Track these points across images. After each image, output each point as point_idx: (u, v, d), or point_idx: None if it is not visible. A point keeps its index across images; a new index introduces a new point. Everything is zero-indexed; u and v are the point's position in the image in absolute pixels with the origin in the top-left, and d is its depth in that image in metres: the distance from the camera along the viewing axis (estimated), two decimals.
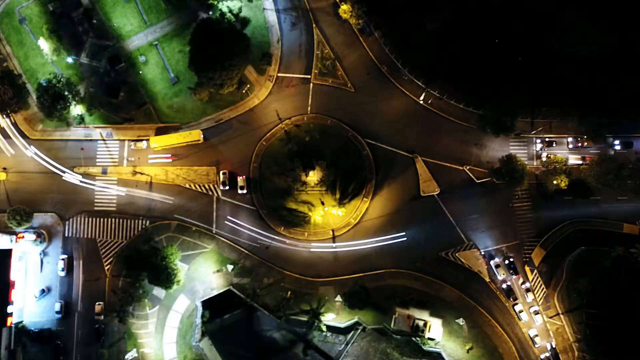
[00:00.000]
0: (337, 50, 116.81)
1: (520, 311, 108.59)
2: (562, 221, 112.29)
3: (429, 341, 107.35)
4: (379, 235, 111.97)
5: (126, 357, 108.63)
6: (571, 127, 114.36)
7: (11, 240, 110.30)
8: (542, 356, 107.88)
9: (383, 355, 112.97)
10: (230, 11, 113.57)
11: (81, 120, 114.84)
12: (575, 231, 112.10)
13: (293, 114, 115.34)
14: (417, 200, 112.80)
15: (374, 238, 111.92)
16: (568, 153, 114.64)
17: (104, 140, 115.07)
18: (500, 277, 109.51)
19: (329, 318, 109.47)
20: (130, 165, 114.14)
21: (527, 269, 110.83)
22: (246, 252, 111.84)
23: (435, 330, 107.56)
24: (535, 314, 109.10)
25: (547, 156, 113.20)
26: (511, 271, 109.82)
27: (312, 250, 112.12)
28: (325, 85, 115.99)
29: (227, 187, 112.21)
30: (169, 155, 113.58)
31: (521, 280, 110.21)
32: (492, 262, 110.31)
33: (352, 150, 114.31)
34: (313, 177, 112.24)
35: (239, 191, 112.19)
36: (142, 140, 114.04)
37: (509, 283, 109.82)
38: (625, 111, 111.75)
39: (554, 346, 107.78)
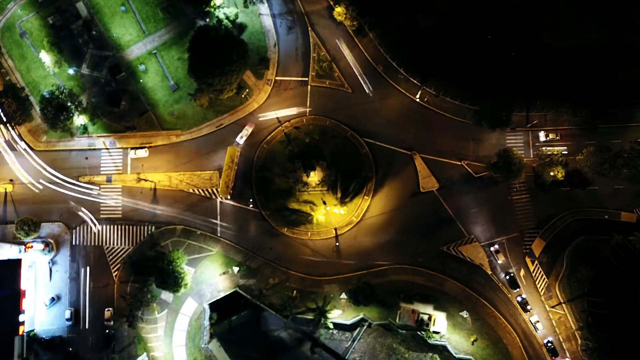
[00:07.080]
0: (333, 52, 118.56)
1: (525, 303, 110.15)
2: (560, 212, 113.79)
3: (434, 334, 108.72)
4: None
5: None
6: (565, 119, 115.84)
7: (20, 251, 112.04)
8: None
9: (389, 350, 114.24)
10: (227, 18, 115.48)
11: (84, 130, 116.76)
12: (574, 221, 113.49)
13: (292, 117, 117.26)
14: (417, 197, 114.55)
15: None
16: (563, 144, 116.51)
17: (107, 149, 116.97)
18: (500, 262, 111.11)
19: (335, 315, 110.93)
20: (134, 172, 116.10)
21: (527, 260, 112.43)
22: (251, 253, 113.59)
23: (439, 323, 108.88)
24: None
25: (542, 148, 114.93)
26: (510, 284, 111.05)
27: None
28: (323, 87, 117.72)
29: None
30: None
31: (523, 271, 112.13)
32: (491, 249, 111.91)
33: (351, 150, 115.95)
34: (314, 177, 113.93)
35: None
36: (143, 147, 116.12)
37: (511, 271, 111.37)
38: (618, 102, 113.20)
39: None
